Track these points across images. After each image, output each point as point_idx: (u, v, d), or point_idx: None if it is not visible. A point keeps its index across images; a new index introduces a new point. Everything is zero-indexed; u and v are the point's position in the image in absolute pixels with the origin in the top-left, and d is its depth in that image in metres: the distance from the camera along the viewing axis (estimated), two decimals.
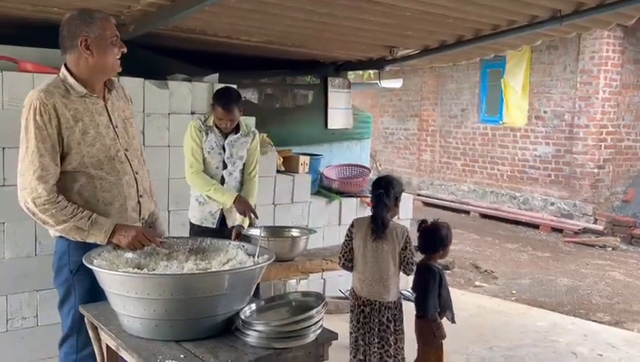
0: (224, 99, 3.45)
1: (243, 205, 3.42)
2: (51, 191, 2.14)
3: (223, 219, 3.60)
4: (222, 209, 3.58)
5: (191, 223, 3.66)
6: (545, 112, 9.52)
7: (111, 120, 2.32)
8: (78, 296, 2.27)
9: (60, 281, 2.32)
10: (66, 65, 2.26)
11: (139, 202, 2.39)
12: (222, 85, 4.36)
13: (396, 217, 3.18)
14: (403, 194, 3.13)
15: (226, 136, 3.55)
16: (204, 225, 3.58)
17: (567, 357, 4.00)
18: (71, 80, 2.23)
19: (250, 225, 3.49)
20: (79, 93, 2.23)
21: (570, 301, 5.54)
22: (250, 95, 5.54)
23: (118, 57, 2.27)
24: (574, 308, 5.32)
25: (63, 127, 2.17)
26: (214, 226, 3.57)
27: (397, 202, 3.04)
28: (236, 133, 3.58)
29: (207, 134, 3.52)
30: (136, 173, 2.38)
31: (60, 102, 2.16)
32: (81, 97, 2.23)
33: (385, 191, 2.97)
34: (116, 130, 2.33)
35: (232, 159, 3.57)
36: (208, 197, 3.52)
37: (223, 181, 3.57)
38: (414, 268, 3.01)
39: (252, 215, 3.42)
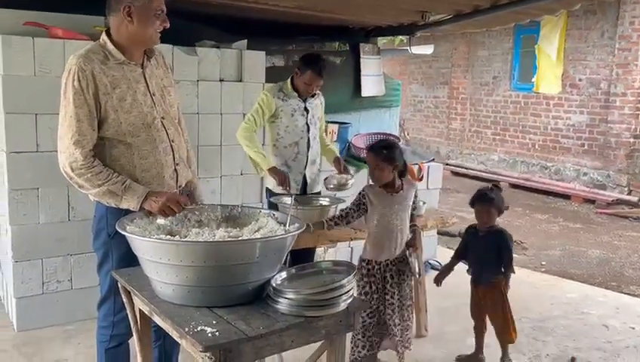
0: (320, 66, 3.52)
1: (281, 174, 3.43)
2: (87, 156, 2.17)
3: (304, 186, 3.67)
4: (304, 176, 3.64)
5: (272, 192, 3.64)
6: (580, 80, 9.24)
7: (148, 88, 2.32)
8: (115, 260, 2.32)
9: (99, 245, 2.37)
10: (107, 30, 2.27)
11: (175, 170, 2.41)
12: (250, 51, 4.34)
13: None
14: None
15: (304, 99, 3.61)
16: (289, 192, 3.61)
17: (599, 330, 3.95)
18: (110, 46, 2.23)
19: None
20: (118, 60, 2.23)
21: (601, 273, 5.45)
22: (278, 62, 5.48)
23: (158, 31, 2.26)
24: (606, 280, 5.23)
25: (100, 93, 2.18)
26: (299, 192, 3.61)
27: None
28: (312, 96, 3.67)
29: (285, 100, 3.56)
30: (173, 141, 2.39)
31: (98, 69, 2.18)
32: (119, 64, 2.24)
33: None
34: (153, 97, 2.34)
35: (313, 120, 3.65)
36: (249, 157, 3.56)
37: (308, 146, 3.62)
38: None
39: (288, 187, 3.45)
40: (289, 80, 3.61)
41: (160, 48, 2.48)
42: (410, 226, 3.13)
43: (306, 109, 3.62)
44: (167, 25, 2.27)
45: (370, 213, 3.00)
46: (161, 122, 2.35)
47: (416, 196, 3.13)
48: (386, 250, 3.01)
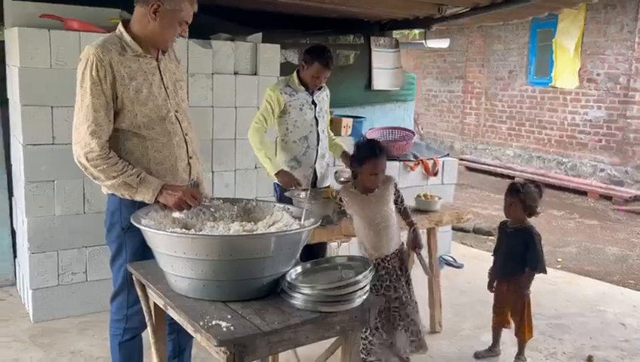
0: (326, 57, 3.46)
1: (288, 178, 3.40)
2: (103, 147, 2.16)
3: (314, 180, 3.66)
4: (314, 170, 3.61)
5: (281, 187, 3.60)
6: (598, 75, 9.10)
7: (163, 81, 2.32)
8: (128, 253, 2.31)
9: (112, 238, 2.36)
10: (123, 22, 2.26)
11: (189, 163, 2.40)
12: (265, 44, 4.32)
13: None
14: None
15: (311, 93, 3.59)
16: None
17: (616, 328, 3.89)
18: (127, 38, 2.22)
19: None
20: (135, 51, 2.22)
21: (619, 270, 5.37)
22: (292, 55, 5.46)
23: (175, 37, 2.27)
24: (623, 278, 5.16)
25: (117, 84, 2.17)
26: (308, 188, 3.58)
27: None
28: (319, 89, 3.64)
29: (292, 95, 3.52)
30: (186, 135, 2.39)
31: (116, 59, 2.16)
32: (136, 56, 2.23)
33: None
34: (167, 91, 2.33)
35: (321, 113, 3.63)
36: (263, 162, 3.51)
37: (318, 140, 3.60)
38: None
39: (299, 185, 3.40)
40: (295, 74, 3.57)
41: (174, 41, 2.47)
42: (408, 224, 3.09)
43: (313, 103, 3.59)
44: (186, 35, 2.29)
45: (351, 215, 2.98)
46: (175, 115, 2.34)
47: (397, 190, 3.05)
48: (376, 249, 2.95)
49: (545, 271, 3.22)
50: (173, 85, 2.38)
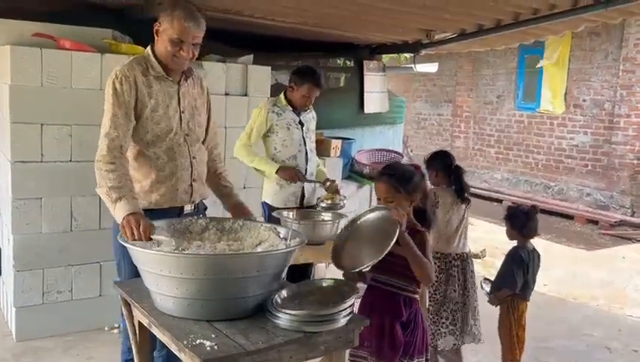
0: (316, 77, 3.55)
1: (289, 171, 3.49)
2: (112, 151, 2.21)
3: (302, 198, 3.68)
4: (303, 188, 3.65)
5: (270, 206, 3.66)
6: (584, 101, 9.25)
7: (180, 104, 2.43)
8: (127, 266, 2.36)
9: (115, 250, 2.45)
10: (152, 44, 2.39)
11: (191, 185, 2.47)
12: (256, 66, 4.37)
13: None
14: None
15: (298, 113, 3.64)
16: (287, 206, 3.63)
17: (601, 352, 3.91)
18: (152, 60, 2.36)
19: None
20: (157, 73, 2.36)
21: (604, 294, 5.40)
22: (283, 77, 5.52)
23: (176, 57, 2.32)
24: (609, 301, 5.19)
25: (138, 99, 2.30)
26: (297, 205, 3.64)
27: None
28: (306, 110, 3.70)
29: (280, 114, 3.58)
30: (194, 158, 2.47)
31: (140, 77, 2.31)
32: (157, 78, 2.36)
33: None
34: (182, 114, 2.44)
35: (308, 133, 3.69)
36: (255, 169, 3.61)
37: (307, 159, 3.64)
38: None
39: (302, 177, 3.53)
40: (282, 95, 3.66)
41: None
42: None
43: (300, 123, 3.65)
44: (188, 55, 2.33)
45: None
46: (184, 138, 2.43)
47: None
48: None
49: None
50: (190, 110, 2.48)
